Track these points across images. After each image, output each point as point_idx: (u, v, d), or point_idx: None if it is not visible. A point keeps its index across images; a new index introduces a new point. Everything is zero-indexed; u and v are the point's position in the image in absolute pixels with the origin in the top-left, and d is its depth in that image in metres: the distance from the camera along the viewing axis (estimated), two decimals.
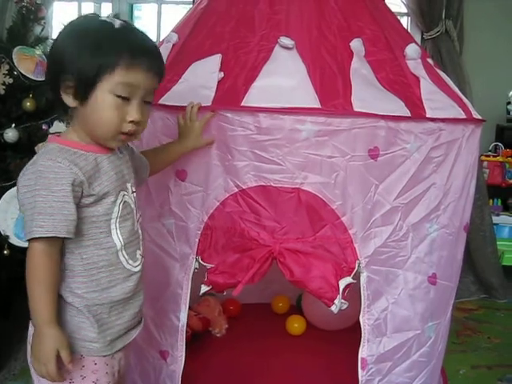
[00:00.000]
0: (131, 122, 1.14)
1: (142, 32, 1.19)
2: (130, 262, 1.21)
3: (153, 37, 3.25)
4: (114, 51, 1.10)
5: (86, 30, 1.14)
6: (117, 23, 1.14)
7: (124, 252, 1.20)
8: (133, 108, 1.14)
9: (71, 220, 1.09)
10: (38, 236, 1.07)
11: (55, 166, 1.08)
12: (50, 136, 1.20)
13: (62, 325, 1.13)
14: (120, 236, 1.19)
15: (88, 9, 3.22)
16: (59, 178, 1.08)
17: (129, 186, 1.23)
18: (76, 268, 1.15)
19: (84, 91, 1.11)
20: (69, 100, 1.14)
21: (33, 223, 1.07)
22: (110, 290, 1.18)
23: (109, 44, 1.11)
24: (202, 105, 1.44)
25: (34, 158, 1.12)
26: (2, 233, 2.14)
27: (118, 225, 1.18)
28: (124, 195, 1.20)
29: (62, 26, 1.16)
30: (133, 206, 1.23)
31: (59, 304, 1.14)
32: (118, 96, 1.12)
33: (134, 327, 1.28)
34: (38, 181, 1.07)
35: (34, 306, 1.10)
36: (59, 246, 1.12)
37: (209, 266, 1.50)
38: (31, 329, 1.16)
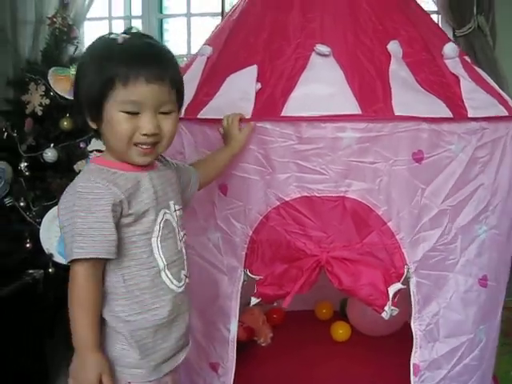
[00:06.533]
0: (144, 135, 1.11)
1: (146, 42, 1.15)
2: (175, 282, 1.19)
3: (183, 50, 3.26)
4: (112, 68, 1.07)
5: (92, 51, 1.15)
6: (120, 38, 1.11)
7: (168, 272, 1.17)
8: (144, 121, 1.10)
9: (111, 240, 1.07)
10: (78, 258, 1.05)
11: (94, 186, 1.08)
12: (90, 157, 1.22)
13: (105, 350, 1.12)
14: (162, 255, 1.16)
15: (119, 26, 3.25)
16: (98, 198, 1.07)
17: (171, 204, 1.21)
18: (119, 290, 1.13)
19: (95, 111, 1.11)
20: (90, 122, 1.14)
21: (73, 245, 1.05)
22: (154, 312, 1.15)
23: (107, 61, 1.08)
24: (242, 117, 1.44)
25: (74, 180, 1.12)
26: (46, 251, 2.18)
27: (159, 244, 1.15)
28: (165, 213, 1.17)
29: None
30: (175, 224, 1.20)
31: (102, 329, 1.12)
32: (127, 112, 1.09)
33: (181, 349, 1.25)
34: (77, 202, 1.06)
35: (76, 330, 1.07)
36: (101, 267, 1.10)
37: (257, 277, 1.50)
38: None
